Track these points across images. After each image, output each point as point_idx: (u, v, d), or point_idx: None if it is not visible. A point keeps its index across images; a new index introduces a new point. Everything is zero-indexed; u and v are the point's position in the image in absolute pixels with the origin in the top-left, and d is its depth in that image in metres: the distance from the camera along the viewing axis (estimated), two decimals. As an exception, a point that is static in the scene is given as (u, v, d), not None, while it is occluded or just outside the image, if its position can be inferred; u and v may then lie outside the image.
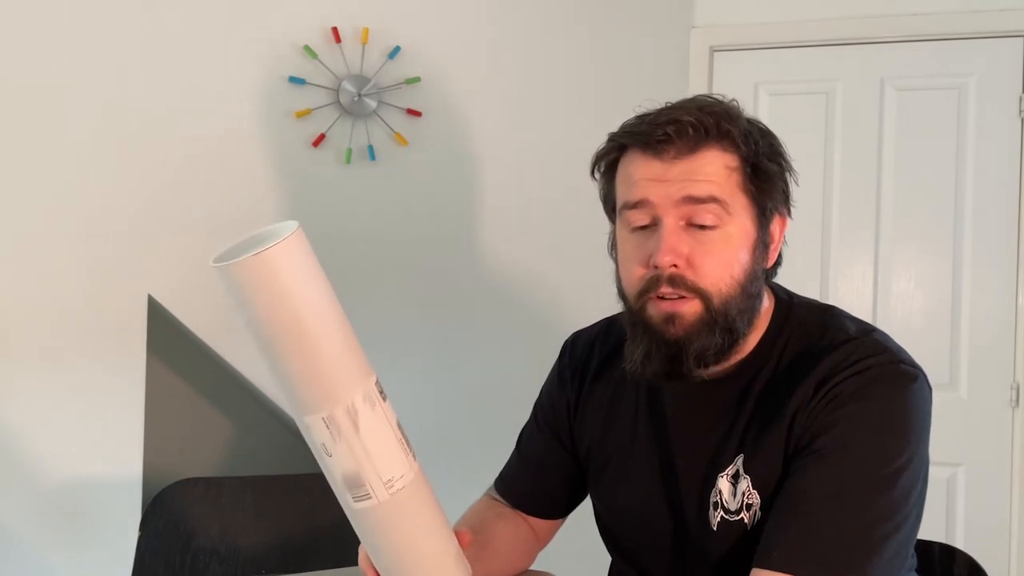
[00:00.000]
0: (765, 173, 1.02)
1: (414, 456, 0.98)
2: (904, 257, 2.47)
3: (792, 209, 1.09)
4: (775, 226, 1.06)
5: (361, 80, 2.40)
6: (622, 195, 1.06)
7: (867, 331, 1.06)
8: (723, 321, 1.01)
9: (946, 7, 2.42)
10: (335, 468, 0.94)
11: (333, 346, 0.91)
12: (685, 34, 2.56)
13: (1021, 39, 2.40)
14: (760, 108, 2.54)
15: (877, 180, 2.48)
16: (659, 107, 1.05)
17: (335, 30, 2.39)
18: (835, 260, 2.51)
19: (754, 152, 1.02)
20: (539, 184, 2.47)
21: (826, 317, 1.09)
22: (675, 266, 1.00)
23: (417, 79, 2.43)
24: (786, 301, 1.12)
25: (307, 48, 2.38)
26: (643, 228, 1.03)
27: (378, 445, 0.94)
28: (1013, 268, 2.40)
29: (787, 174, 1.06)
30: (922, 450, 1.01)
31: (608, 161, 1.08)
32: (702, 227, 1.00)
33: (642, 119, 1.04)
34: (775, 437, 1.03)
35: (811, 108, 2.53)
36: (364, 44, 2.41)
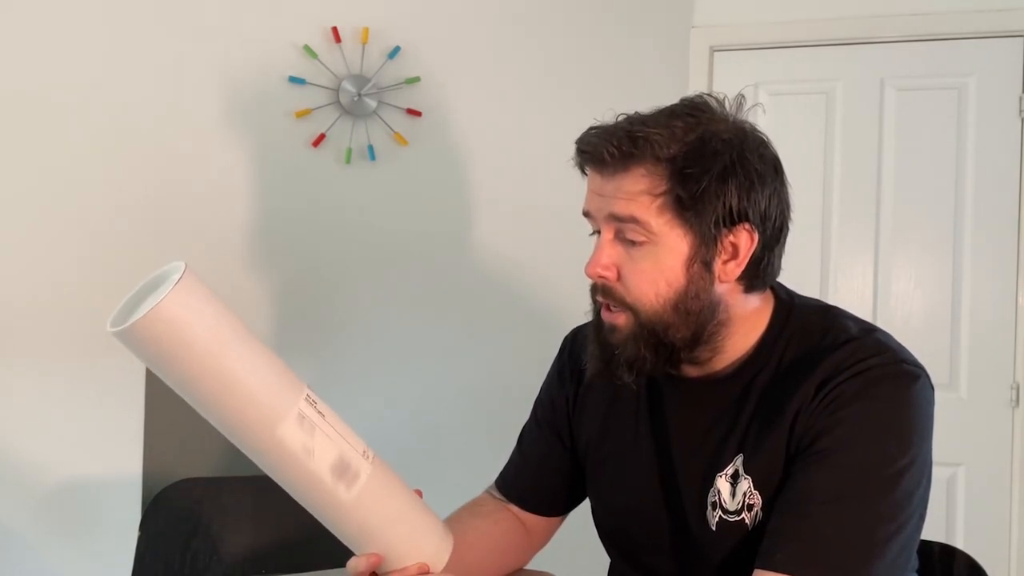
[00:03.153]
0: (702, 194, 1.00)
1: None
2: (904, 257, 2.47)
3: (775, 214, 1.05)
4: (736, 238, 1.03)
5: (361, 80, 2.40)
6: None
7: (869, 331, 1.06)
8: (650, 336, 1.03)
9: (946, 7, 2.42)
10: (320, 466, 0.93)
11: (269, 356, 0.92)
12: (685, 34, 2.56)
13: (1021, 39, 2.40)
14: (760, 108, 2.54)
15: (877, 180, 2.48)
16: (615, 118, 1.06)
17: (335, 30, 2.39)
18: (835, 260, 2.51)
19: (688, 176, 1.00)
20: (538, 183, 2.47)
21: (827, 317, 1.09)
22: (604, 278, 1.04)
23: (417, 79, 2.43)
24: (787, 301, 1.12)
25: (307, 48, 2.38)
26: (597, 235, 1.07)
27: (341, 423, 0.97)
28: (1013, 268, 2.40)
29: (750, 186, 1.02)
30: (925, 450, 1.00)
31: (580, 167, 1.11)
32: (632, 244, 1.03)
33: (589, 131, 1.06)
34: (776, 437, 1.03)
35: (811, 108, 2.53)
36: (364, 44, 2.41)
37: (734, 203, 1.01)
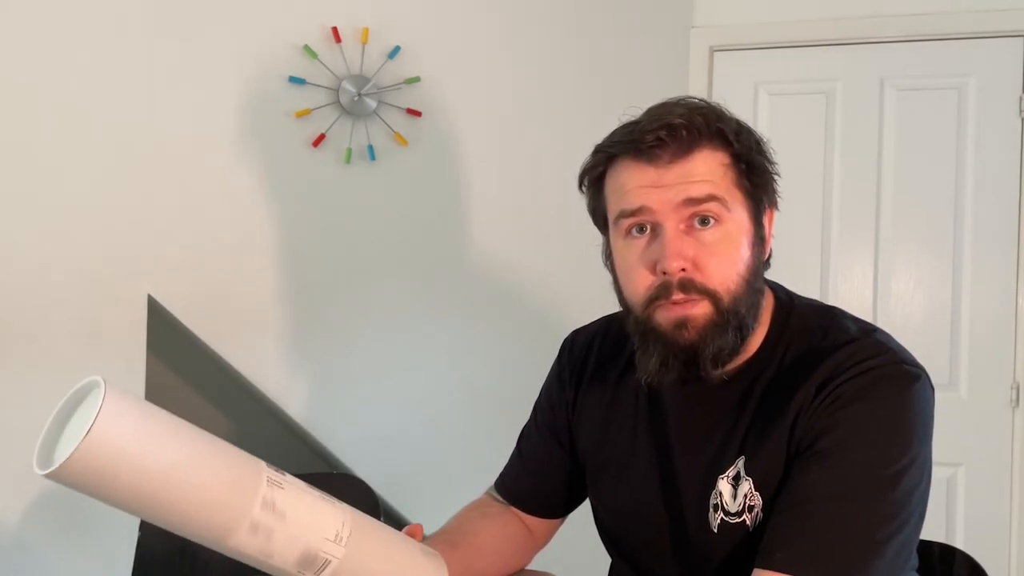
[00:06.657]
0: (758, 168, 1.04)
1: (333, 498, 0.97)
2: (904, 257, 2.47)
3: (779, 201, 1.09)
4: (766, 219, 1.07)
5: (361, 80, 2.40)
6: (616, 205, 1.05)
7: (869, 331, 1.06)
8: (734, 320, 1.01)
9: (946, 7, 2.42)
10: (283, 563, 0.90)
11: (216, 464, 0.87)
12: (685, 34, 2.56)
13: (1021, 39, 2.40)
14: (760, 108, 2.54)
15: (877, 180, 2.48)
16: (643, 114, 1.05)
17: (335, 30, 2.39)
18: (835, 260, 2.50)
19: (747, 148, 1.03)
20: (539, 184, 2.47)
21: (827, 318, 1.09)
22: (683, 270, 1.00)
23: (417, 79, 2.43)
24: (787, 302, 1.12)
25: (307, 48, 2.38)
26: (642, 236, 1.03)
27: (309, 513, 0.91)
28: (1013, 268, 2.40)
29: (772, 167, 1.07)
30: (925, 450, 1.00)
31: (595, 174, 1.08)
32: (703, 228, 1.00)
33: (630, 127, 1.04)
34: (777, 438, 1.02)
35: (811, 108, 2.53)
36: (364, 44, 2.41)
37: (773, 182, 1.06)
